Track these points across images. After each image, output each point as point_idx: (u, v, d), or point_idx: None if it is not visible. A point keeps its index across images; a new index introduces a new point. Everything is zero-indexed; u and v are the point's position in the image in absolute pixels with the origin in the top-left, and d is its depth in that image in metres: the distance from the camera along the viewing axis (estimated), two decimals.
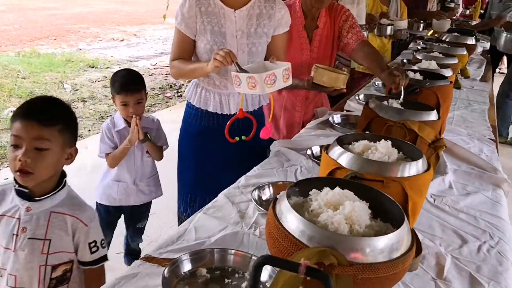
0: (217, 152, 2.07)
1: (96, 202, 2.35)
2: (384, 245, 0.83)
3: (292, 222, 0.86)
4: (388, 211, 0.96)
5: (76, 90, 6.13)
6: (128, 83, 2.17)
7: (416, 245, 1.27)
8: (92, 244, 1.41)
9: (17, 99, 5.44)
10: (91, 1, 15.79)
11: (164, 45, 10.03)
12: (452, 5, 5.90)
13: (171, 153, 2.32)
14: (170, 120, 4.00)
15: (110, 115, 5.27)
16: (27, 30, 10.08)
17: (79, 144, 1.48)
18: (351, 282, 0.79)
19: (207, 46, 1.93)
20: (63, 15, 12.49)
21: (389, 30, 3.79)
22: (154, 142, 2.28)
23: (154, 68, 7.87)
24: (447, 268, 1.25)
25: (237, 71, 1.71)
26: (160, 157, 2.34)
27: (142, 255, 1.27)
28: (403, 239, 0.86)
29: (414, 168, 1.16)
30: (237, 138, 1.95)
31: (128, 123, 2.22)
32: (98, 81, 6.67)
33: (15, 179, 1.33)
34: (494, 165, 1.93)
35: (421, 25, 4.58)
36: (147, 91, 2.27)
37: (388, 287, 0.86)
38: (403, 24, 4.13)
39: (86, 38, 9.97)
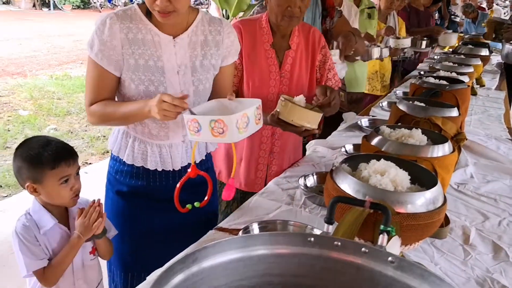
0: (159, 219, 1.67)
1: None
2: (422, 200, 1.05)
3: (349, 184, 1.09)
4: (423, 179, 1.18)
5: None
6: (62, 150, 1.49)
7: (444, 217, 1.49)
8: None
9: (55, 117, 5.81)
10: None
11: None
12: (457, 19, 5.91)
13: None
14: None
15: None
16: (54, 55, 10.55)
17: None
18: (398, 227, 1.02)
19: (140, 87, 1.48)
20: None
21: (376, 53, 3.18)
22: (107, 236, 1.61)
23: None
24: (472, 237, 1.46)
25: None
26: (110, 254, 1.63)
27: None
28: (437, 196, 1.09)
29: (441, 150, 1.38)
30: (188, 207, 1.55)
31: (60, 218, 1.53)
32: None
33: None
34: (511, 159, 2.14)
35: (424, 42, 4.52)
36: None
37: (427, 234, 1.09)
38: (407, 42, 3.98)
39: None
